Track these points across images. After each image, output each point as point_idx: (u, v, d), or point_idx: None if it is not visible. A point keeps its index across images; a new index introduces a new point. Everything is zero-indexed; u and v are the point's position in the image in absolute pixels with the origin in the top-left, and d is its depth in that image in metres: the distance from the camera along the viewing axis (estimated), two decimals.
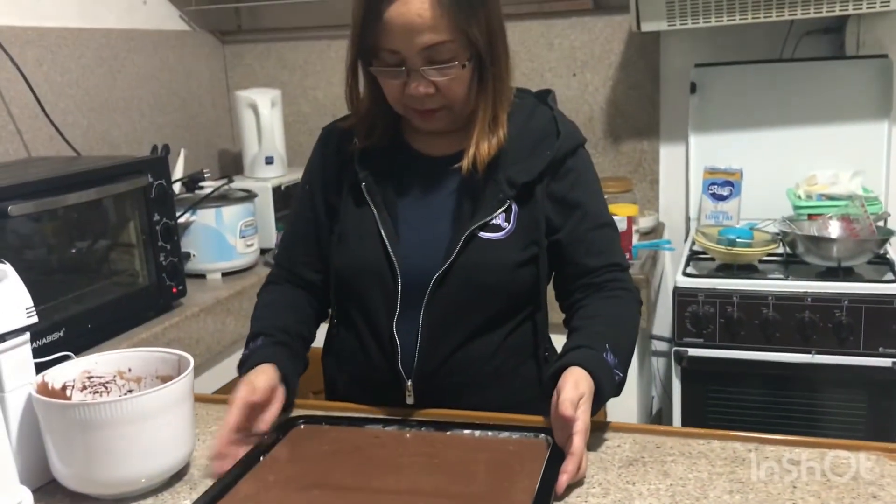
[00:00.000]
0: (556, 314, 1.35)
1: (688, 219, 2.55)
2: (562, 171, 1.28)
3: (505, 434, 1.15)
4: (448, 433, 1.16)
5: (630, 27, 2.40)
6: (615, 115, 2.56)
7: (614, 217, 2.11)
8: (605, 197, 2.29)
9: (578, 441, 1.04)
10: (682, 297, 2.05)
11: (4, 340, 1.04)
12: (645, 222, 2.45)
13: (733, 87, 2.43)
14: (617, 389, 1.20)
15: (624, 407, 2.13)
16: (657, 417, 2.58)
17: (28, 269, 1.63)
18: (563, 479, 1.01)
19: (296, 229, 1.40)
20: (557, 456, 1.07)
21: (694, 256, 2.25)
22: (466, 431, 1.16)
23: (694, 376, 2.08)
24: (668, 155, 2.57)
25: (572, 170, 1.29)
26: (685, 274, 2.11)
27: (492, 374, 1.28)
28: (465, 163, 1.23)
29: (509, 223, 1.25)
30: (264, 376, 1.17)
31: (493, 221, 1.24)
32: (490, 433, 1.16)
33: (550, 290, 1.35)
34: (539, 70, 2.58)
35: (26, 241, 1.68)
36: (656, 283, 2.36)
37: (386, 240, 1.25)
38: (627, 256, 2.13)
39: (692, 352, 2.06)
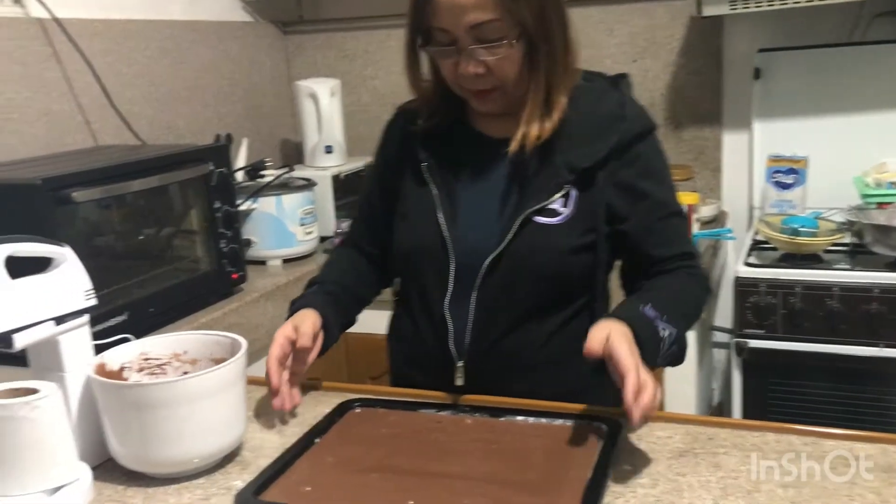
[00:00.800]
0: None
1: (751, 207, 2.49)
2: (629, 156, 1.24)
3: (560, 421, 1.15)
4: (503, 419, 1.16)
5: (691, 12, 2.35)
6: (676, 101, 2.52)
7: None
8: None
9: (625, 363, 1.00)
10: (744, 288, 2.01)
11: (64, 322, 1.07)
12: (706, 211, 2.40)
13: (799, 71, 2.36)
14: (661, 344, 1.11)
15: (682, 398, 2.10)
16: (717, 410, 2.53)
17: (93, 255, 1.69)
18: (634, 412, 0.98)
19: (361, 203, 1.49)
20: (612, 444, 1.07)
21: (756, 246, 2.19)
22: (520, 418, 1.16)
23: (755, 368, 2.04)
24: (731, 142, 2.51)
25: (640, 156, 1.25)
26: (747, 264, 2.06)
27: (543, 361, 1.27)
28: (514, 144, 1.22)
29: (567, 208, 1.23)
30: (308, 321, 1.24)
31: (550, 206, 1.23)
32: (545, 420, 1.15)
33: (613, 281, 1.33)
34: (598, 57, 2.54)
35: (92, 226, 1.73)
36: (717, 273, 2.31)
37: (442, 221, 1.26)
38: None
39: (753, 343, 2.02)
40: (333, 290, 1.35)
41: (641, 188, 1.25)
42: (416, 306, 1.32)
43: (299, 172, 2.38)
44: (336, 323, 1.31)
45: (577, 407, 1.20)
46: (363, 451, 1.10)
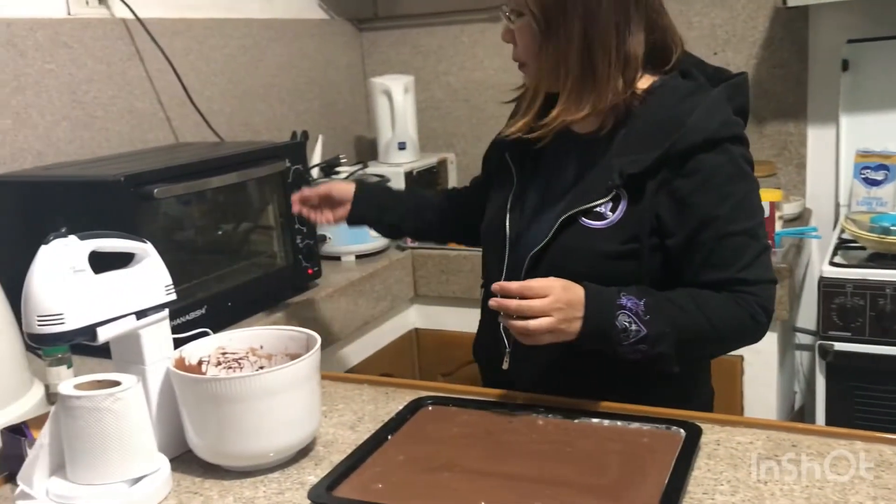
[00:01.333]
0: None
1: (837, 205, 2.40)
2: (688, 167, 1.16)
3: (636, 425, 1.12)
4: (577, 421, 1.15)
5: (775, 2, 2.28)
6: (759, 95, 2.44)
7: None
8: None
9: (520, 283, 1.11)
10: (829, 288, 1.93)
11: (145, 316, 1.10)
12: (790, 208, 2.32)
13: (890, 63, 2.26)
14: (616, 333, 1.12)
15: (762, 401, 2.04)
16: (799, 414, 2.45)
17: (173, 250, 1.72)
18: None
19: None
20: (690, 449, 1.04)
21: (842, 245, 2.11)
22: (595, 420, 1.14)
23: (839, 372, 1.96)
24: (817, 137, 2.42)
25: (701, 169, 1.16)
26: (832, 263, 1.99)
27: (584, 362, 1.20)
28: (514, 129, 1.25)
29: (614, 213, 1.19)
30: (349, 187, 1.53)
31: (598, 209, 1.20)
32: (620, 423, 1.13)
33: None
34: None
35: (172, 222, 1.77)
36: (801, 272, 2.23)
37: (508, 210, 1.29)
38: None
39: (838, 346, 1.94)
40: (395, 190, 1.59)
41: (694, 202, 1.16)
42: (484, 290, 1.35)
43: (373, 169, 2.39)
44: (371, 204, 1.52)
45: (653, 410, 1.17)
46: (434, 449, 1.09)
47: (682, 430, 1.09)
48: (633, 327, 1.12)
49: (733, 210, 1.17)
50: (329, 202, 1.55)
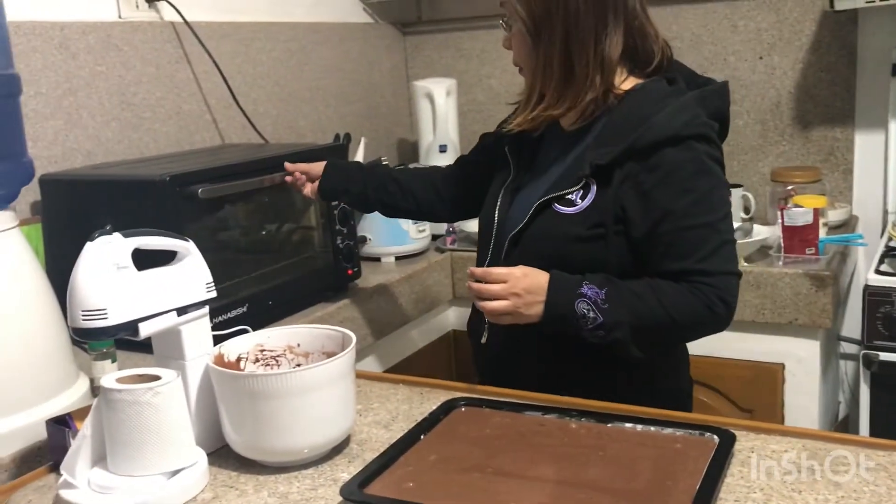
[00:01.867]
0: None
1: (885, 212, 2.35)
2: (652, 162, 1.24)
3: (669, 430, 1.12)
4: (609, 425, 1.15)
5: (823, 6, 2.24)
6: (805, 100, 2.41)
7: (798, 208, 2.00)
8: (791, 188, 2.18)
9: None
10: (874, 297, 1.90)
11: (186, 312, 1.12)
12: (835, 215, 2.28)
13: None
14: (575, 319, 1.23)
15: (804, 410, 2.01)
16: (843, 425, 2.41)
17: (216, 248, 1.76)
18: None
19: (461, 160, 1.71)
20: (723, 455, 1.03)
21: (889, 253, 2.07)
22: (628, 425, 1.14)
23: (885, 383, 1.92)
24: (864, 143, 2.38)
25: (663, 164, 1.23)
26: (878, 272, 1.95)
27: (552, 350, 1.31)
28: (513, 124, 1.35)
29: (584, 201, 1.28)
30: (321, 164, 1.68)
31: (569, 196, 1.29)
32: (654, 428, 1.13)
33: None
34: (722, 54, 2.46)
35: (215, 221, 1.80)
36: (846, 280, 2.20)
37: (500, 197, 1.40)
38: (812, 251, 2.01)
39: (884, 356, 1.90)
40: (364, 165, 1.76)
41: (655, 196, 1.24)
42: None
43: None
44: (339, 177, 1.66)
45: (688, 416, 1.17)
46: (466, 450, 1.10)
47: (715, 437, 1.08)
48: (591, 314, 1.22)
49: (694, 204, 1.24)
50: (309, 178, 1.70)
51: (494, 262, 1.38)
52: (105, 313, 1.04)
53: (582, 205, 1.28)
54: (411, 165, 2.38)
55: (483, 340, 1.41)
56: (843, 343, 2.37)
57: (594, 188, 1.27)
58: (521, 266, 1.28)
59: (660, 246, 1.25)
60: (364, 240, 2.19)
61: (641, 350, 1.25)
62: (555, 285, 1.25)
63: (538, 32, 1.28)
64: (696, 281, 1.23)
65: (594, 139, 1.31)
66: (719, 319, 1.25)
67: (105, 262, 1.05)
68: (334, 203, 1.92)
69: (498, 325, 1.32)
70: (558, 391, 1.28)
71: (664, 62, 1.34)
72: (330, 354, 1.17)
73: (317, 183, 1.67)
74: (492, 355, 1.43)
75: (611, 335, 1.23)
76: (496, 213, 1.40)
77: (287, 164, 1.72)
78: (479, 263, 1.42)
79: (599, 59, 1.27)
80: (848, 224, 2.33)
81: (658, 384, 1.36)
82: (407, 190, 1.66)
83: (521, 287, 1.26)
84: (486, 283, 1.27)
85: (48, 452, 1.18)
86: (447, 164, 2.51)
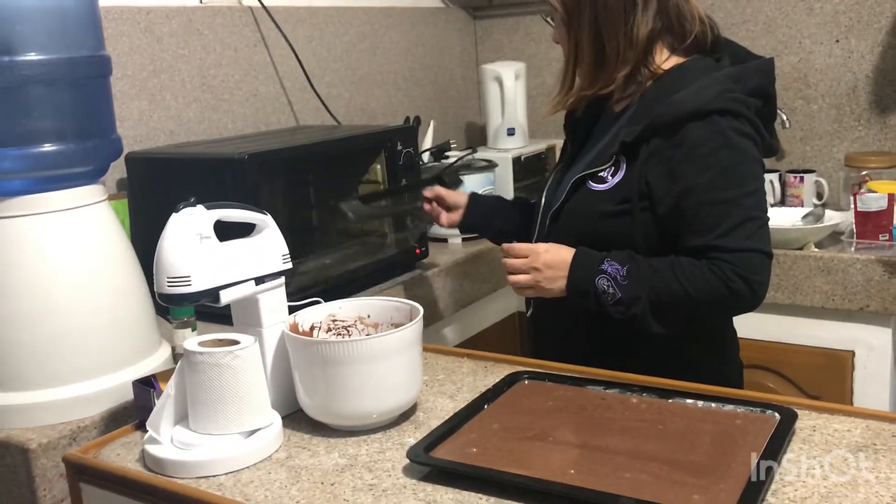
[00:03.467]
0: None
1: None
2: (677, 138, 1.27)
3: (730, 407, 1.13)
4: (671, 401, 1.16)
5: None
6: (884, 84, 2.35)
7: (872, 193, 1.96)
8: (865, 173, 2.15)
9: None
10: None
11: (264, 282, 1.18)
12: None
13: None
14: (597, 295, 1.28)
15: (875, 398, 1.98)
16: None
17: (290, 226, 1.81)
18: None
19: None
20: (783, 433, 1.04)
21: None
22: (689, 401, 1.16)
23: None
24: None
25: (687, 139, 1.26)
26: None
27: (594, 317, 1.33)
28: (549, 107, 1.43)
29: (614, 178, 1.33)
30: (461, 195, 1.69)
31: (601, 174, 1.34)
32: (714, 405, 1.14)
33: None
34: (797, 37, 2.42)
35: (290, 199, 1.87)
36: None
37: (550, 178, 1.49)
38: (886, 237, 1.97)
39: None
40: (504, 198, 1.74)
41: (679, 171, 1.27)
42: None
43: (481, 154, 2.44)
44: (482, 212, 1.66)
45: (749, 394, 1.18)
46: (528, 420, 1.13)
47: (776, 414, 1.09)
48: (611, 290, 1.27)
49: (715, 179, 1.25)
50: (443, 205, 1.69)
51: (539, 239, 1.44)
52: (189, 280, 1.10)
53: (612, 181, 1.32)
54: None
55: (528, 314, 1.50)
56: None
57: (624, 165, 1.32)
58: (548, 242, 1.36)
59: (682, 222, 1.27)
60: (432, 221, 2.22)
61: (662, 326, 1.27)
62: (577, 261, 1.31)
63: (570, 17, 1.35)
64: (714, 257, 1.24)
65: (628, 118, 1.35)
66: (740, 297, 1.24)
67: (189, 233, 1.11)
68: (404, 184, 1.97)
69: (545, 299, 1.39)
70: (601, 365, 1.30)
71: (706, 41, 1.36)
72: (398, 325, 1.21)
73: (455, 216, 1.68)
74: (537, 329, 1.50)
75: (630, 311, 1.27)
76: (545, 192, 1.48)
77: (426, 191, 1.71)
78: (528, 241, 1.47)
79: (629, 38, 1.31)
80: None
81: (700, 370, 1.32)
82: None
83: (542, 262, 1.33)
84: (511, 257, 1.35)
85: (134, 411, 1.25)
86: (514, 146, 2.56)
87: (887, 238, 1.97)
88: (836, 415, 1.12)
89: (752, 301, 1.26)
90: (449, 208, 1.68)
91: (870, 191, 2.03)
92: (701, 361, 1.39)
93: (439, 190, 1.69)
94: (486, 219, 1.68)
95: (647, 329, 1.28)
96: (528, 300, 1.51)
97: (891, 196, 1.97)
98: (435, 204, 1.69)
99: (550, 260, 1.32)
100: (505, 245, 1.38)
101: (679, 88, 1.29)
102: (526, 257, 1.34)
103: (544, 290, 1.34)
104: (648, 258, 1.29)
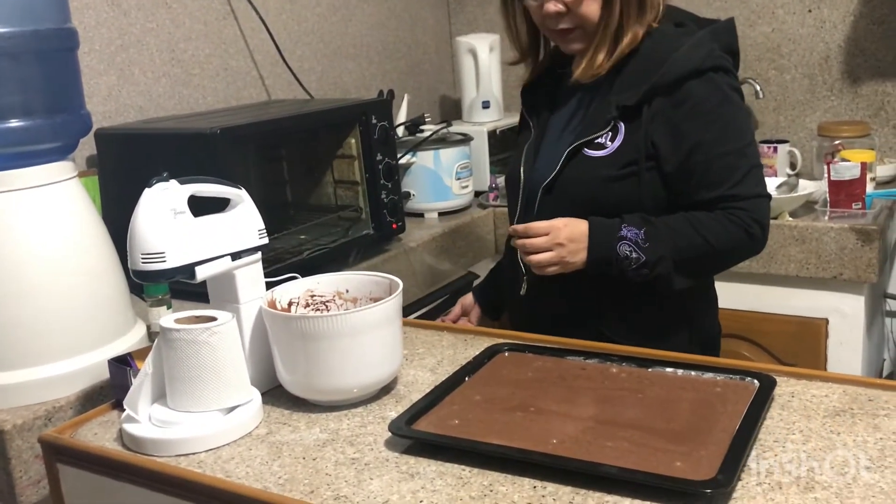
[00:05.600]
0: None
1: None
2: (678, 96, 1.30)
3: (710, 375, 1.14)
4: (650, 370, 1.17)
5: None
6: (855, 54, 2.36)
7: (845, 162, 1.98)
8: (838, 142, 2.16)
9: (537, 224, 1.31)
10: None
11: (240, 258, 1.16)
12: (884, 170, 2.25)
13: None
14: (618, 261, 1.29)
15: (847, 366, 2.01)
16: None
17: (263, 201, 1.79)
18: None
19: None
20: (763, 399, 1.05)
21: None
22: (668, 369, 1.16)
23: None
24: None
25: (689, 98, 1.29)
26: None
27: (593, 282, 1.35)
28: (578, 71, 1.36)
29: (613, 143, 1.33)
30: (469, 298, 1.65)
31: (598, 140, 1.34)
32: (694, 373, 1.15)
33: None
34: (769, 7, 2.42)
35: (263, 175, 1.84)
36: (892, 236, 2.18)
37: (523, 154, 1.45)
38: (859, 206, 1.99)
39: None
40: (490, 277, 1.68)
41: (685, 129, 1.29)
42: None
43: (457, 127, 2.43)
44: (490, 301, 1.63)
45: (728, 361, 1.19)
46: (509, 391, 1.13)
47: (755, 381, 1.10)
48: (634, 255, 1.28)
49: (721, 132, 1.30)
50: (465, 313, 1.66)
51: (525, 215, 1.43)
52: (164, 256, 1.08)
53: (612, 146, 1.33)
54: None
55: (522, 292, 1.46)
56: (888, 300, 2.35)
57: (622, 129, 1.33)
58: (560, 218, 1.33)
59: (693, 177, 1.30)
60: (408, 195, 2.21)
61: (686, 281, 1.32)
62: (595, 231, 1.31)
63: None
64: (730, 207, 1.29)
65: (617, 84, 1.35)
66: (756, 242, 1.32)
67: (163, 208, 1.09)
68: (378, 158, 1.95)
69: (538, 276, 1.37)
70: (598, 336, 1.32)
71: (659, 10, 1.39)
72: (377, 300, 1.20)
73: (474, 316, 1.64)
74: (531, 306, 1.47)
75: (654, 271, 1.29)
76: (521, 170, 1.45)
77: (446, 321, 1.64)
78: (511, 220, 1.47)
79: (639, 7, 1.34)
80: None
81: (696, 325, 1.43)
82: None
83: (564, 237, 1.31)
84: (529, 237, 1.33)
85: (110, 390, 1.23)
86: (490, 119, 2.54)
87: (860, 207, 1.99)
88: (814, 381, 1.13)
89: (764, 244, 1.34)
90: (466, 312, 1.65)
91: (843, 160, 2.04)
92: (701, 321, 1.44)
93: (455, 313, 1.66)
94: (497, 298, 1.64)
95: (669, 287, 1.31)
96: (513, 278, 1.48)
97: (863, 165, 1.99)
98: (460, 322, 1.64)
99: (571, 233, 1.31)
100: (520, 226, 1.35)
101: (664, 50, 1.32)
102: (546, 234, 1.32)
103: (568, 265, 1.32)
104: (663, 217, 1.31)
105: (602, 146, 1.34)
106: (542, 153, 1.44)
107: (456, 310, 1.66)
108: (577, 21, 1.34)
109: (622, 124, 1.33)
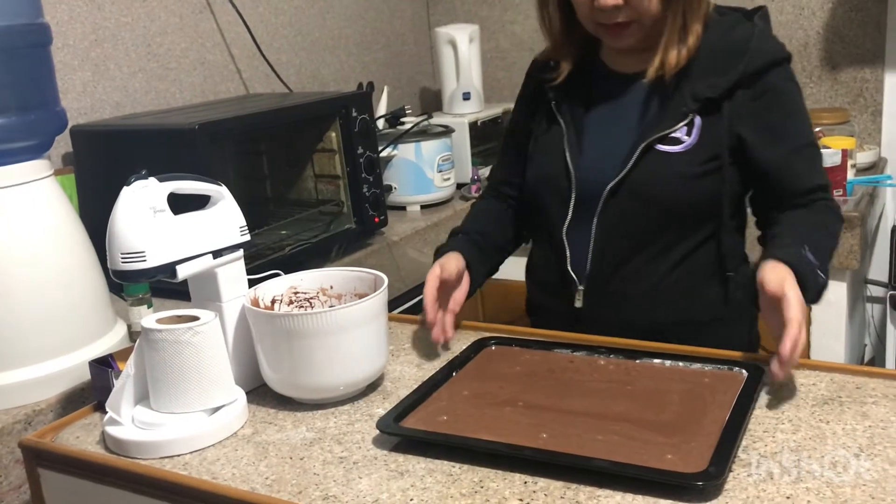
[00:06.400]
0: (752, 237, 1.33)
1: None
2: (759, 87, 1.24)
3: (698, 366, 1.14)
4: (638, 361, 1.16)
5: None
6: (834, 40, 2.37)
7: (826, 149, 1.99)
8: (819, 129, 2.17)
9: (794, 313, 1.02)
10: None
11: (222, 255, 1.15)
12: (863, 157, 2.27)
13: None
14: (817, 293, 1.16)
15: (831, 353, 2.02)
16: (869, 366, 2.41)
17: (243, 196, 1.77)
18: (785, 365, 1.01)
19: (501, 149, 1.54)
20: (751, 389, 1.05)
21: None
22: (657, 361, 1.16)
23: None
24: (895, 84, 2.34)
25: (771, 89, 1.25)
26: None
27: (665, 290, 1.29)
28: (652, 70, 1.25)
29: (690, 137, 1.25)
30: (453, 261, 1.32)
31: (673, 135, 1.25)
32: (682, 364, 1.14)
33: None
34: None
35: (243, 169, 1.82)
36: (873, 223, 2.19)
37: (567, 151, 1.31)
38: (840, 193, 2.00)
39: None
40: (475, 238, 1.41)
41: (772, 121, 1.25)
42: (542, 235, 1.38)
43: (437, 119, 2.41)
44: (479, 266, 1.38)
45: (715, 352, 1.18)
46: (498, 386, 1.12)
47: (744, 371, 1.10)
48: (823, 280, 1.16)
49: (803, 123, 1.28)
50: (444, 289, 1.32)
51: (583, 217, 1.29)
52: (144, 255, 1.06)
53: (690, 141, 1.24)
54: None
55: (578, 305, 1.32)
56: (870, 286, 2.36)
57: (698, 122, 1.25)
58: (779, 271, 1.08)
59: (784, 168, 1.26)
60: (390, 188, 2.20)
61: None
62: (799, 272, 1.09)
63: None
64: (823, 197, 1.26)
65: (693, 74, 1.25)
66: (841, 225, 1.28)
67: (142, 206, 1.07)
68: (359, 151, 1.93)
69: (598, 285, 1.29)
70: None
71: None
72: (362, 296, 1.18)
73: (458, 294, 1.34)
74: (589, 316, 1.33)
75: (825, 274, 1.16)
76: (571, 170, 1.30)
77: (430, 313, 1.27)
78: (556, 224, 1.32)
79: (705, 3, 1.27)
80: (876, 166, 2.31)
81: (753, 331, 1.40)
82: (505, 248, 1.48)
83: (801, 303, 1.06)
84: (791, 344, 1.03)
85: (92, 392, 1.21)
86: (471, 111, 2.52)
87: (841, 193, 2.00)
88: (802, 369, 1.13)
89: None
90: (447, 289, 1.33)
91: (823, 146, 2.05)
92: (754, 328, 1.41)
93: (433, 289, 1.28)
94: (485, 272, 1.43)
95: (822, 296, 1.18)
96: (565, 290, 1.33)
97: (844, 152, 2.00)
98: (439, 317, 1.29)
99: (798, 293, 1.07)
100: (784, 349, 1.02)
101: (729, 40, 1.25)
102: (796, 310, 1.04)
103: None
104: (790, 228, 1.21)
105: (678, 141, 1.24)
106: (590, 151, 1.32)
107: (433, 284, 1.28)
108: (636, 15, 1.22)
109: (698, 117, 1.25)
